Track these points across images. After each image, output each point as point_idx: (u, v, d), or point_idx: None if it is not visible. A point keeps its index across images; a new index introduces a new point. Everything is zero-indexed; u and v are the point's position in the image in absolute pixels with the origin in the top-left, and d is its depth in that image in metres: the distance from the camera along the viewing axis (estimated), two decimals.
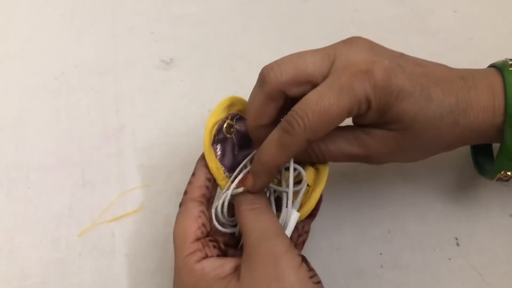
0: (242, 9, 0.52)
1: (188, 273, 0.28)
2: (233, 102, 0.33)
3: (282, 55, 0.48)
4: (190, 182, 0.32)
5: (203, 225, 0.30)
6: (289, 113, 0.28)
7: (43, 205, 0.39)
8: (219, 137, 0.33)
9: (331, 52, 0.30)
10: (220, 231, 0.32)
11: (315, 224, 0.38)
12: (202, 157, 0.32)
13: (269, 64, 0.30)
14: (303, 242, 0.34)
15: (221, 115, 0.33)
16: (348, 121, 0.31)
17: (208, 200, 0.32)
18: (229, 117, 0.33)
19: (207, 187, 0.32)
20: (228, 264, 0.29)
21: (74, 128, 0.44)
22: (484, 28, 0.49)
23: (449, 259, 0.36)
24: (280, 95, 0.30)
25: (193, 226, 0.30)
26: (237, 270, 0.28)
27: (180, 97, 0.46)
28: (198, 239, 0.30)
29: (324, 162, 0.32)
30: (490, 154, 0.37)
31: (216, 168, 0.32)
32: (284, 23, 0.51)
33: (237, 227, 0.32)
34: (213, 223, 0.31)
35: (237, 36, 0.50)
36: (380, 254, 0.37)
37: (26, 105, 0.45)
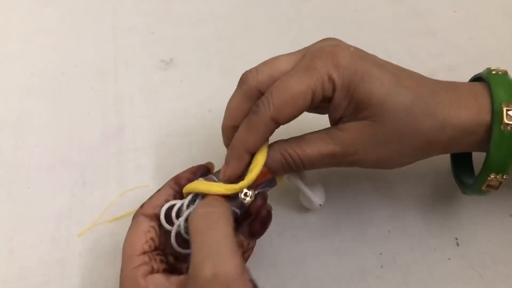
0: (242, 9, 0.52)
1: (133, 286, 0.28)
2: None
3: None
4: (150, 197, 0.32)
5: (152, 239, 0.30)
6: (260, 98, 0.30)
7: (43, 205, 0.39)
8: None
9: (303, 50, 0.31)
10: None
11: (315, 224, 0.38)
12: (173, 179, 0.32)
13: (249, 69, 0.32)
14: (247, 258, 0.33)
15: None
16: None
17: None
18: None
19: (151, 228, 0.31)
20: (174, 281, 0.28)
21: (74, 128, 0.44)
22: (484, 28, 0.49)
23: (449, 259, 0.36)
24: (257, 94, 0.31)
25: (141, 239, 0.30)
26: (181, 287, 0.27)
27: (180, 97, 0.46)
28: (145, 253, 0.29)
29: (302, 168, 0.31)
30: (471, 172, 0.36)
31: (220, 186, 0.31)
32: (284, 23, 0.51)
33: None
34: (172, 242, 0.30)
35: (237, 36, 0.50)
36: (380, 254, 0.37)
37: (26, 105, 0.45)
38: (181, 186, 0.32)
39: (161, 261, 0.30)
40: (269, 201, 0.34)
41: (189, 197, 0.31)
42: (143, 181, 0.41)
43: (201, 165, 0.33)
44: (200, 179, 0.32)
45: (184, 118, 0.44)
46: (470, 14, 0.50)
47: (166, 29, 0.51)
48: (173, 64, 0.48)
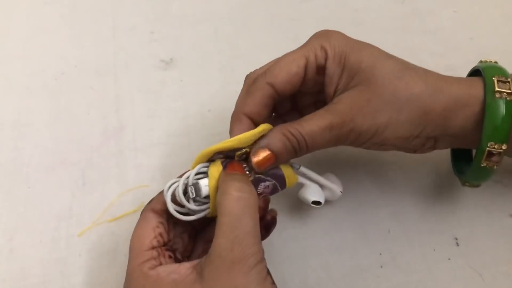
0: (242, 9, 0.52)
1: (142, 278, 0.28)
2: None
3: (282, 55, 0.48)
4: (159, 193, 0.32)
5: (160, 234, 0.30)
6: None
7: (43, 205, 0.39)
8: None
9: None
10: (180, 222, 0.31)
11: (315, 224, 0.38)
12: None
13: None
14: None
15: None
16: None
17: (170, 216, 0.31)
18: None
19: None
20: (183, 266, 0.28)
21: (74, 128, 0.44)
22: (484, 28, 0.49)
23: (449, 259, 0.36)
24: (265, 86, 0.32)
25: (150, 235, 0.30)
26: (194, 271, 0.27)
27: (180, 97, 0.46)
28: (153, 248, 0.29)
29: (305, 147, 0.31)
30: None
31: (222, 143, 0.31)
32: (284, 23, 0.51)
33: (197, 215, 0.30)
34: (169, 209, 0.30)
35: (237, 36, 0.50)
36: (380, 254, 0.37)
37: (26, 105, 0.45)
38: None
39: (170, 256, 0.30)
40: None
41: (195, 169, 0.31)
42: (143, 181, 0.41)
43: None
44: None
45: (184, 118, 0.44)
46: (470, 14, 0.50)
47: (166, 29, 0.51)
48: (173, 64, 0.48)
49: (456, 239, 0.37)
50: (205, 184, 0.30)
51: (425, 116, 0.31)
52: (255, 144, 0.31)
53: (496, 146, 0.30)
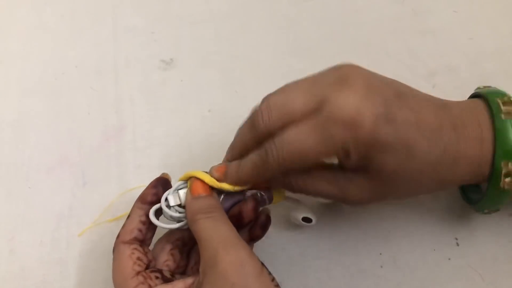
0: (242, 9, 0.52)
1: None
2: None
3: (282, 55, 0.48)
4: (123, 225, 0.32)
5: (139, 259, 0.30)
6: (269, 142, 0.29)
7: (43, 205, 0.39)
8: None
9: (319, 92, 0.28)
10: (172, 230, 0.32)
11: (315, 224, 0.38)
12: (138, 200, 0.32)
13: (260, 108, 0.30)
14: None
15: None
16: None
17: (143, 242, 0.32)
18: None
19: (140, 230, 0.31)
20: (177, 285, 0.28)
21: (74, 128, 0.44)
22: (484, 28, 0.49)
23: (449, 259, 0.36)
24: (267, 135, 0.30)
25: (129, 263, 0.30)
26: None
27: (180, 97, 0.46)
28: (138, 273, 0.29)
29: (299, 193, 0.33)
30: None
31: (211, 181, 0.32)
32: (284, 23, 0.51)
33: (180, 223, 0.32)
34: (155, 222, 0.31)
35: (237, 36, 0.50)
36: (380, 254, 0.37)
37: (26, 105, 0.45)
38: (148, 203, 0.32)
39: (157, 277, 0.30)
40: None
41: (177, 184, 0.32)
42: (143, 181, 0.40)
43: (159, 177, 0.33)
44: (198, 170, 0.32)
45: (184, 118, 0.44)
46: (470, 14, 0.50)
47: (166, 29, 0.51)
48: (173, 64, 0.48)
49: (456, 239, 0.37)
50: (184, 192, 0.32)
51: (426, 193, 0.34)
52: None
53: (510, 164, 0.30)
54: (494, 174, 0.30)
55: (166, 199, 0.32)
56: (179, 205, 0.32)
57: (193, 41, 0.50)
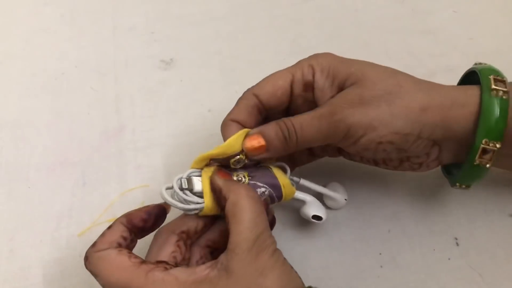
0: (242, 9, 0.52)
1: (160, 285, 0.27)
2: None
3: (282, 55, 0.48)
4: (102, 235, 0.30)
5: (130, 253, 0.29)
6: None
7: (43, 205, 0.39)
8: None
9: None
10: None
11: (315, 224, 0.38)
12: (125, 216, 0.31)
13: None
14: None
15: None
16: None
17: None
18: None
19: (119, 244, 0.29)
20: (199, 268, 0.28)
21: (74, 128, 0.44)
22: (484, 28, 0.49)
23: (449, 259, 0.36)
24: (250, 96, 0.33)
25: (123, 258, 0.28)
26: (213, 269, 0.27)
27: (180, 97, 0.46)
28: (142, 263, 0.28)
29: (295, 137, 0.32)
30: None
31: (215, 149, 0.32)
32: (284, 23, 0.51)
33: (194, 205, 0.31)
34: (171, 202, 0.31)
35: (237, 36, 0.50)
36: (380, 254, 0.37)
37: (26, 105, 0.45)
38: (134, 225, 0.30)
39: (165, 268, 0.28)
40: None
41: (189, 170, 0.32)
42: (143, 181, 0.41)
43: (158, 206, 0.32)
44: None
45: (184, 118, 0.44)
46: (470, 14, 0.50)
47: (166, 29, 0.51)
48: (173, 64, 0.48)
49: (456, 239, 0.37)
50: (198, 179, 0.32)
51: (421, 113, 0.30)
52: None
53: (490, 144, 0.30)
54: (472, 149, 0.30)
55: (180, 181, 0.31)
56: (191, 191, 0.31)
57: (193, 41, 0.50)
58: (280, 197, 0.33)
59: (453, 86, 0.32)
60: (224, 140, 0.32)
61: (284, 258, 0.29)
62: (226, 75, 0.47)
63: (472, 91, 0.31)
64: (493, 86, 0.30)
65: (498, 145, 0.30)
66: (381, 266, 0.36)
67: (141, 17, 0.52)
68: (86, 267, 0.29)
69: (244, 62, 0.48)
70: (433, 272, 0.36)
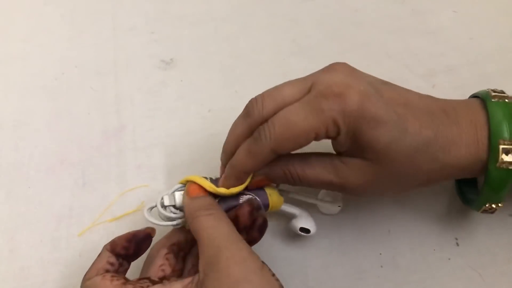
0: (242, 9, 0.52)
1: None
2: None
3: (282, 55, 0.48)
4: (93, 262, 0.31)
5: (114, 276, 0.29)
6: (262, 125, 0.30)
7: (43, 205, 0.39)
8: None
9: (309, 79, 0.31)
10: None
11: (315, 224, 0.38)
12: (109, 244, 0.31)
13: (254, 98, 0.31)
14: None
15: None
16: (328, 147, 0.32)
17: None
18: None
19: (107, 271, 0.30)
20: (175, 285, 0.28)
21: (74, 128, 0.44)
22: (484, 28, 0.49)
23: (449, 259, 0.36)
24: (260, 123, 0.31)
25: (105, 283, 0.29)
26: (190, 285, 0.28)
27: (180, 97, 0.46)
28: (124, 284, 0.28)
29: (300, 185, 0.32)
30: (475, 184, 0.36)
31: (210, 186, 0.32)
32: (284, 23, 0.51)
33: (177, 221, 0.32)
34: (152, 221, 0.32)
35: (237, 36, 0.50)
36: (380, 254, 0.37)
37: (26, 105, 0.45)
38: (116, 253, 0.31)
39: (146, 283, 0.29)
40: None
41: (175, 186, 0.33)
42: (143, 181, 0.41)
43: (139, 232, 0.32)
44: (196, 175, 0.33)
45: (184, 118, 0.44)
46: (470, 14, 0.50)
47: (166, 29, 0.51)
48: (173, 64, 0.48)
49: (456, 239, 0.37)
50: (180, 194, 0.32)
51: (428, 183, 0.32)
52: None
53: (493, 205, 0.32)
54: (492, 151, 0.30)
55: (162, 199, 0.32)
56: (174, 207, 0.32)
57: (193, 41, 0.50)
58: (266, 205, 0.33)
59: (467, 144, 0.31)
60: (225, 182, 0.32)
61: (264, 264, 0.28)
62: (226, 75, 0.47)
63: (482, 154, 0.31)
64: (493, 94, 0.31)
65: (500, 205, 0.31)
66: (381, 266, 0.36)
67: (141, 17, 0.52)
68: None
69: (244, 62, 0.48)
70: (433, 272, 0.36)
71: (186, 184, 0.32)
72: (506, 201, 0.32)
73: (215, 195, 0.32)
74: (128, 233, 0.32)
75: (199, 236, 0.29)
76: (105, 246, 0.31)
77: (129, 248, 0.31)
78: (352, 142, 0.30)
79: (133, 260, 0.32)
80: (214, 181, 0.33)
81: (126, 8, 0.52)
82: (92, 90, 0.46)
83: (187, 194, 0.32)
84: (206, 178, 0.33)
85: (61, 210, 0.39)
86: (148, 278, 0.30)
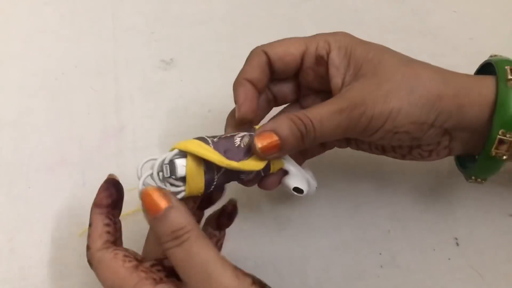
0: (242, 9, 0.52)
1: None
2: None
3: None
4: (89, 235, 0.30)
5: (126, 256, 0.28)
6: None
7: (43, 205, 0.39)
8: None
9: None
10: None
11: (315, 224, 0.38)
12: (95, 206, 0.31)
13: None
14: (221, 246, 0.33)
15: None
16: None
17: (115, 243, 0.30)
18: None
19: (108, 232, 0.30)
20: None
21: (74, 128, 0.44)
22: (484, 28, 0.49)
23: (449, 259, 0.36)
24: (260, 52, 0.33)
25: (117, 263, 0.28)
26: None
27: (180, 97, 0.46)
28: (136, 268, 0.27)
29: (313, 134, 0.29)
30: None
31: (213, 153, 0.28)
32: (284, 23, 0.51)
33: (181, 194, 0.28)
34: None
35: (237, 36, 0.50)
36: (380, 254, 0.37)
37: (26, 105, 0.45)
38: (105, 206, 0.30)
39: (159, 270, 0.29)
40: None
41: (175, 151, 0.29)
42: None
43: (108, 179, 0.31)
44: (194, 139, 0.29)
45: (184, 118, 0.44)
46: (470, 14, 0.50)
47: (166, 29, 0.51)
48: (173, 64, 0.48)
49: (456, 239, 0.37)
50: (182, 164, 0.28)
51: (438, 100, 0.30)
52: (260, 128, 0.30)
53: (507, 135, 0.30)
54: (488, 140, 0.30)
55: (160, 170, 0.29)
56: (174, 178, 0.29)
57: (193, 41, 0.50)
58: (267, 170, 0.30)
59: (469, 75, 0.32)
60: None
61: (251, 283, 0.26)
62: (226, 75, 0.47)
63: (489, 81, 0.31)
64: (510, 77, 0.30)
65: None
66: (381, 266, 0.36)
67: (141, 17, 0.52)
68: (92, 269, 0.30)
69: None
70: (433, 272, 0.36)
71: (143, 192, 0.27)
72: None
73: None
74: (100, 187, 0.31)
75: (177, 271, 0.26)
76: (93, 212, 0.30)
77: (111, 194, 0.31)
78: (347, 62, 0.31)
79: (120, 210, 0.31)
80: (217, 143, 0.29)
81: (126, 8, 0.52)
82: (92, 90, 0.46)
83: (145, 211, 0.27)
84: (205, 139, 0.29)
85: (61, 210, 0.39)
86: (161, 262, 0.29)
